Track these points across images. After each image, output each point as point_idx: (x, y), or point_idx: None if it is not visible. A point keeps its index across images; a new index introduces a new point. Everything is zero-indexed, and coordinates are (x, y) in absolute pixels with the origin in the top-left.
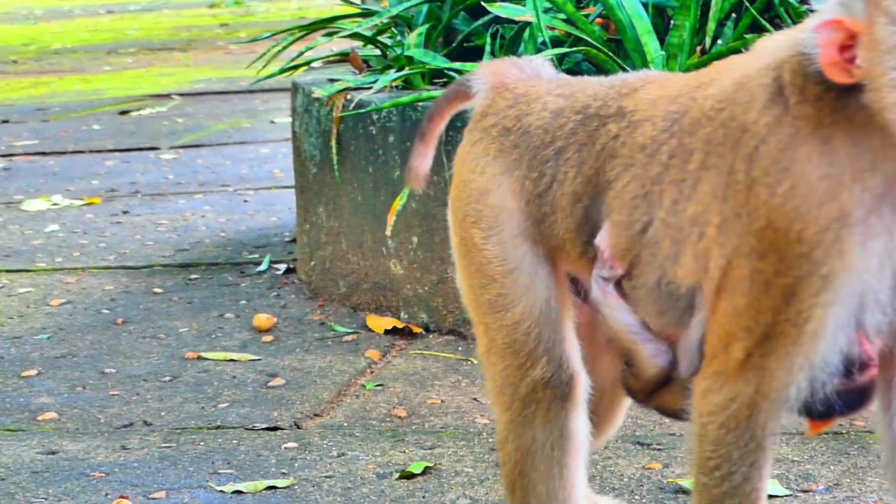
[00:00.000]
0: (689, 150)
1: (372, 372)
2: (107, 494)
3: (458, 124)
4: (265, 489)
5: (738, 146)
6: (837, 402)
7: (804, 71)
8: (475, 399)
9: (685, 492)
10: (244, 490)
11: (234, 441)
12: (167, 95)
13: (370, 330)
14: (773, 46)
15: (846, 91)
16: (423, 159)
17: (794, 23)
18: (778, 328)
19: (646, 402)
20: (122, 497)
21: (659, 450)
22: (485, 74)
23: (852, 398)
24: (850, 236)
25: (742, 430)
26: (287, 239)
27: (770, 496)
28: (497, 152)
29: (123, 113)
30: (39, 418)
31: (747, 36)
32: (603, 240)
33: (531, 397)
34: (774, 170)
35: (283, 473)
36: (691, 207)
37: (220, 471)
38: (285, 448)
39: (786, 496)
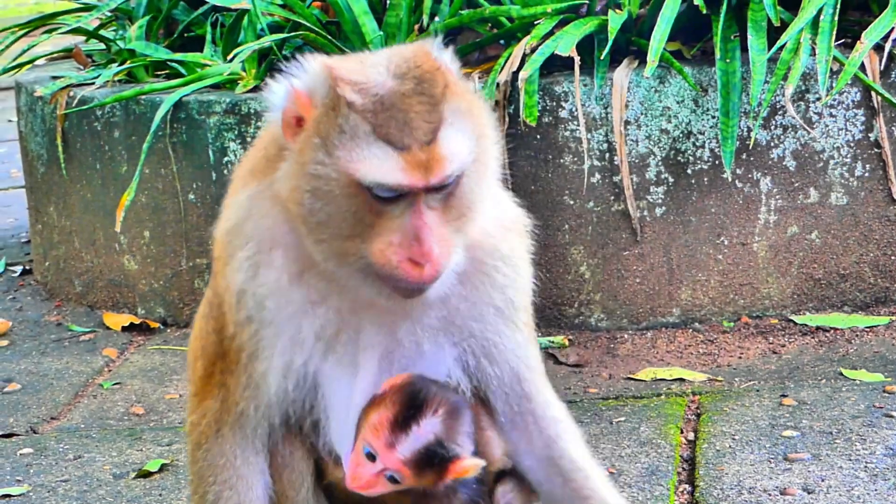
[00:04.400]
0: None
1: (109, 370)
2: None
3: (181, 116)
4: None
5: None
6: None
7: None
8: None
9: None
10: None
11: None
12: None
13: (107, 328)
14: None
15: None
16: None
17: None
18: (224, 347)
19: None
20: None
21: None
22: None
23: None
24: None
25: (209, 446)
26: (24, 240)
27: None
28: None
29: None
30: None
31: (463, 12)
32: None
33: None
34: None
35: (18, 480)
36: None
37: None
38: (21, 454)
39: None
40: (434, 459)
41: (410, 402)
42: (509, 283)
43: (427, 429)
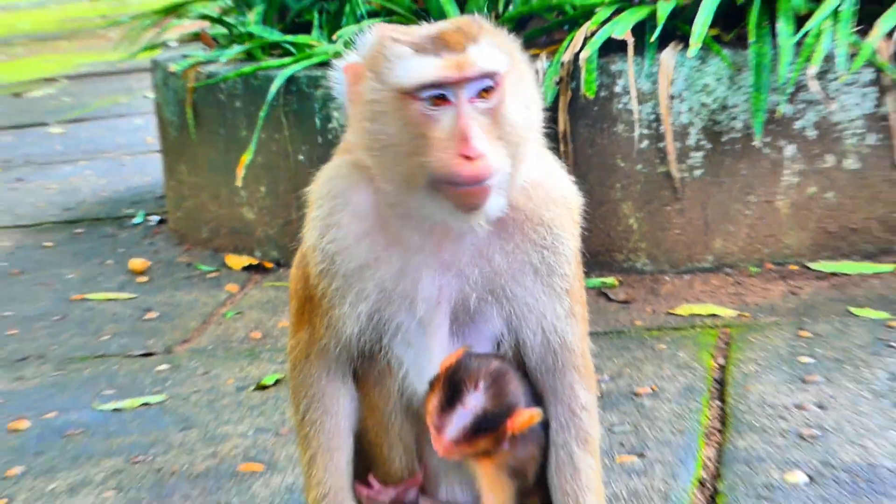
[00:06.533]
0: None
1: (232, 302)
2: (6, 417)
3: (292, 89)
4: (140, 405)
5: None
6: None
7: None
8: None
9: None
10: (123, 407)
11: (114, 367)
12: (55, 79)
13: (229, 268)
14: None
15: None
16: None
17: None
18: (310, 292)
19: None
20: (19, 418)
21: None
22: None
23: None
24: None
25: (301, 368)
26: (158, 195)
27: None
28: None
29: (16, 95)
30: None
31: (533, 1)
32: None
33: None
34: None
35: (157, 391)
36: None
37: (103, 392)
38: (158, 371)
39: None
40: (483, 430)
41: (451, 385)
42: (548, 247)
43: (472, 404)
